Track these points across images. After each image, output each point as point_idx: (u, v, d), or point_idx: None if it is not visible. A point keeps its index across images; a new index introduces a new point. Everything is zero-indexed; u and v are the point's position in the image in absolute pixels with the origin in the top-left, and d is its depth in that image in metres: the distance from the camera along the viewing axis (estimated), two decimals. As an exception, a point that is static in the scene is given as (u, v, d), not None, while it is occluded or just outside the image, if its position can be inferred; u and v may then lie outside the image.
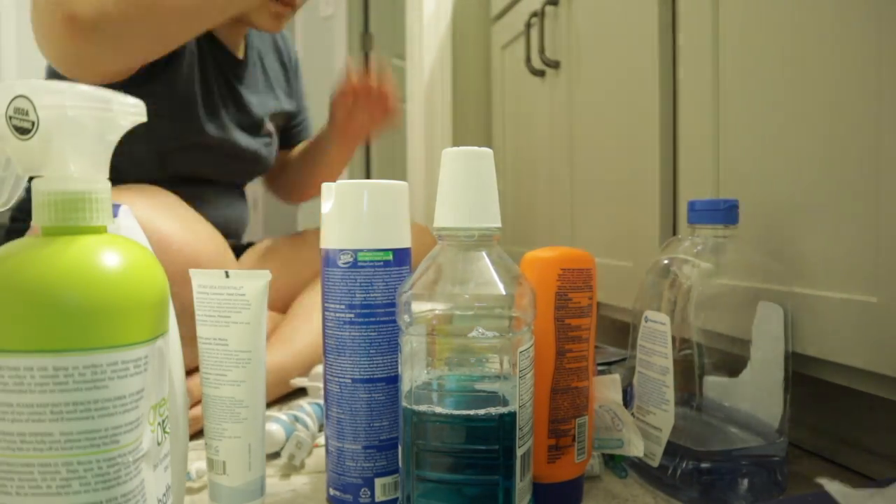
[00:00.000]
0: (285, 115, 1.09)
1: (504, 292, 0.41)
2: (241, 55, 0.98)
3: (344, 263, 0.48)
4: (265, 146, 1.02)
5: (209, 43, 0.92)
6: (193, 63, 0.87)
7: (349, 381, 0.48)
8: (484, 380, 0.41)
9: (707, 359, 0.51)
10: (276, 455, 0.63)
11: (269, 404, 0.78)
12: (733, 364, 0.51)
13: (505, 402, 0.41)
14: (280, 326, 0.89)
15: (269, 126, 1.04)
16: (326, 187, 0.49)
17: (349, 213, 0.48)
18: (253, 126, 0.98)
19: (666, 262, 0.54)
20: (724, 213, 0.53)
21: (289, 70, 1.11)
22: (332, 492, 0.49)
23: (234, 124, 0.95)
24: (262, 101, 1.02)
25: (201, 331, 0.48)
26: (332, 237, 0.49)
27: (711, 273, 0.51)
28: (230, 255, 0.83)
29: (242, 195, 1.08)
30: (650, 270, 0.55)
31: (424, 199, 1.55)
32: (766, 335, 0.51)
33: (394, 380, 0.48)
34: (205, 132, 0.89)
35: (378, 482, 0.48)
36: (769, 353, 0.51)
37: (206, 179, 0.95)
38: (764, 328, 0.51)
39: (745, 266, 0.52)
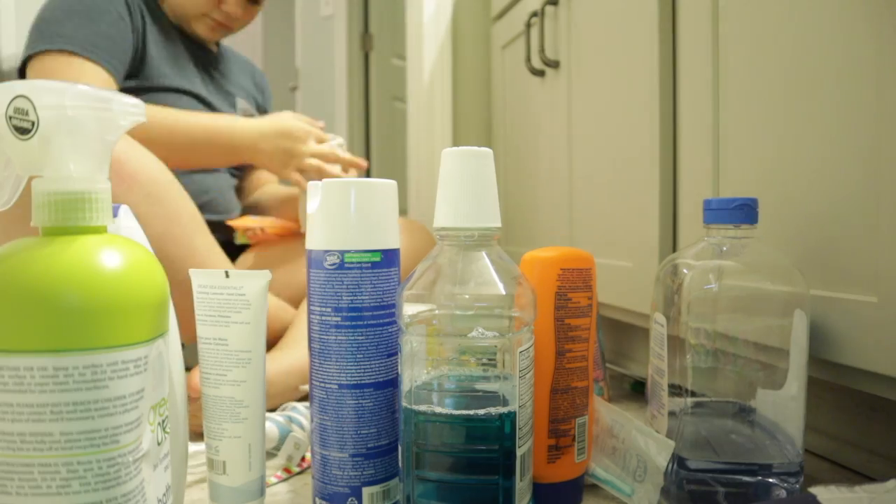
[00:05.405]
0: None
1: (504, 292, 0.41)
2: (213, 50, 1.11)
3: (330, 265, 0.46)
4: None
5: (181, 36, 1.03)
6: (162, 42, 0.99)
7: (336, 386, 0.46)
8: (484, 380, 0.41)
9: (729, 365, 0.49)
10: (271, 455, 0.63)
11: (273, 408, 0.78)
12: (752, 372, 0.49)
13: (505, 402, 0.41)
14: (290, 327, 0.88)
15: (243, 110, 1.11)
16: (312, 185, 0.47)
17: (336, 212, 0.46)
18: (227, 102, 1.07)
19: (675, 263, 0.53)
20: (736, 211, 0.50)
21: (258, 89, 1.20)
22: (318, 501, 0.48)
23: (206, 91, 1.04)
24: (236, 85, 1.11)
25: (201, 331, 0.48)
26: (318, 237, 0.47)
27: (709, 273, 0.50)
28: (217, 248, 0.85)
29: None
30: (659, 271, 0.55)
31: (424, 199, 1.55)
32: (796, 344, 0.48)
33: (382, 385, 0.47)
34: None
35: (366, 491, 0.46)
36: (797, 363, 0.48)
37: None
38: (795, 337, 0.48)
39: (756, 267, 0.50)
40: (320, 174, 0.93)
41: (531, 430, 0.44)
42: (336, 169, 0.95)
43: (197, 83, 1.03)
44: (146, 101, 0.91)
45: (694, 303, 0.50)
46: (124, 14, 0.93)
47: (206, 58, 1.08)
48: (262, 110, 1.20)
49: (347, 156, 0.97)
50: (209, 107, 1.03)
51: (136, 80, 0.95)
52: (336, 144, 0.97)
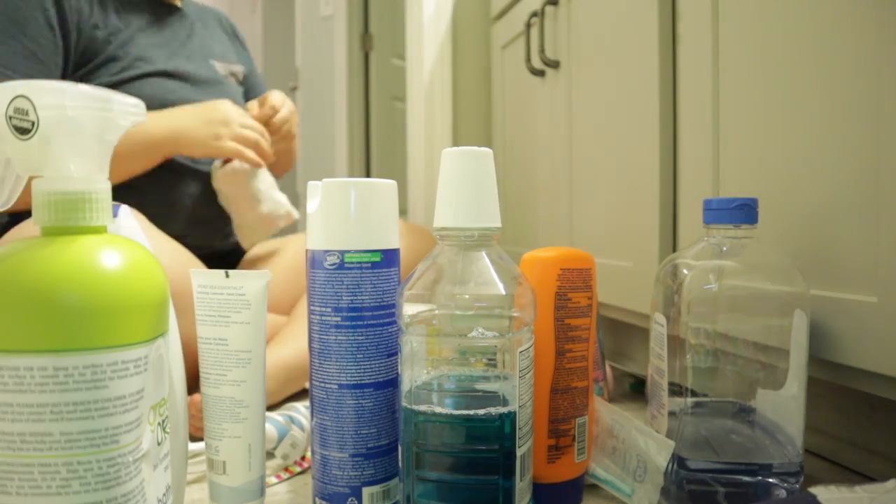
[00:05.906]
0: (238, 71, 1.09)
1: (504, 292, 0.41)
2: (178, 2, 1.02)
3: (330, 265, 0.46)
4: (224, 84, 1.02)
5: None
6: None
7: (336, 386, 0.46)
8: (484, 380, 0.41)
9: (729, 365, 0.49)
10: (271, 455, 0.63)
11: (277, 405, 0.78)
12: (752, 372, 0.49)
13: (505, 402, 0.41)
14: (286, 325, 0.88)
15: (225, 70, 1.04)
16: (312, 185, 0.47)
17: (336, 212, 0.46)
18: (202, 72, 0.99)
19: (675, 263, 0.53)
20: (736, 211, 0.50)
21: (230, 37, 1.13)
22: (318, 501, 0.48)
23: (183, 67, 0.96)
24: (208, 48, 1.03)
25: (201, 331, 0.48)
26: (318, 237, 0.47)
27: (709, 273, 0.50)
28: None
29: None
30: (659, 271, 0.55)
31: (424, 199, 1.55)
32: (796, 344, 0.48)
33: (382, 385, 0.47)
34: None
35: (366, 491, 0.46)
36: (797, 363, 0.48)
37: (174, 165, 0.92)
38: (795, 337, 0.48)
39: (756, 267, 0.50)
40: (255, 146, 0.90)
41: (531, 430, 0.44)
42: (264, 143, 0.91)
43: (179, 59, 0.95)
44: (129, 91, 0.85)
45: (694, 303, 0.50)
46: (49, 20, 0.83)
47: (173, 21, 0.99)
48: (243, 57, 1.14)
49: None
50: (194, 82, 0.97)
51: (111, 73, 0.89)
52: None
